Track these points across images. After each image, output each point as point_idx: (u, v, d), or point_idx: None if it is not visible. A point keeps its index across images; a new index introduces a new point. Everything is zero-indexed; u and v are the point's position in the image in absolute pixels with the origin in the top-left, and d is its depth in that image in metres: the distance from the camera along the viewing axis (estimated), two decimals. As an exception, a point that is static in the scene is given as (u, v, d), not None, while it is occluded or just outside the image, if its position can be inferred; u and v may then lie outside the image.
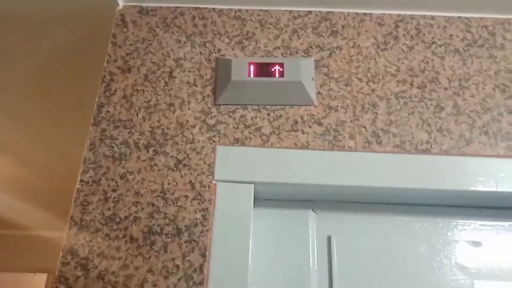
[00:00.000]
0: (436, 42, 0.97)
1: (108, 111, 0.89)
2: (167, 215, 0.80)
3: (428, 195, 0.85)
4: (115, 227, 0.78)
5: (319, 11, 1.01)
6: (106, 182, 0.82)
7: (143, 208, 0.80)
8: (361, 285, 0.83)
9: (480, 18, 1.00)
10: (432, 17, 1.00)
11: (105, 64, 0.94)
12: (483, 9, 1.00)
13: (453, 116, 0.89)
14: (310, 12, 1.01)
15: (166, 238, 0.78)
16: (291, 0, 1.00)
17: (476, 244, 0.87)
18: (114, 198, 0.81)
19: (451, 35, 0.98)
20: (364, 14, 1.01)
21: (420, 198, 0.88)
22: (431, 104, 0.90)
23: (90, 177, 0.83)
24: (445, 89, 0.92)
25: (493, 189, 0.83)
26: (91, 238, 0.78)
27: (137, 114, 0.89)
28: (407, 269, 0.84)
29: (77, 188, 0.82)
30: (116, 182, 0.82)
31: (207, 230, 0.78)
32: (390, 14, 1.01)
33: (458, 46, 0.97)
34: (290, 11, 1.01)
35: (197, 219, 0.79)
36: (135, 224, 0.79)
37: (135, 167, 0.84)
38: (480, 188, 0.83)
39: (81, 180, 0.83)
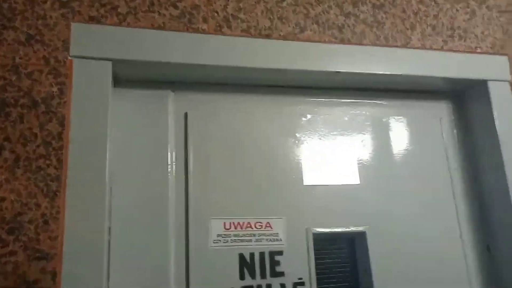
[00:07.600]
0: None
1: None
2: (21, 88, 0.80)
3: (277, 76, 1.01)
4: (-38, 100, 0.77)
5: None
6: None
7: (-7, 82, 0.79)
8: (214, 158, 0.97)
9: None
10: None
11: None
12: None
13: (292, 7, 1.02)
14: None
15: (22, 109, 0.79)
16: None
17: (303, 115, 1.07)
18: (-42, 72, 0.78)
19: None
20: None
21: (265, 78, 1.02)
22: (275, -5, 1.02)
23: None
24: (288, -18, 1.04)
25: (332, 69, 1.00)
26: None
27: (-23, -15, 0.83)
28: (262, 145, 1.01)
29: None
30: (-41, 55, 0.79)
31: (65, 102, 0.82)
32: None
33: None
34: None
35: (53, 91, 0.82)
36: (-14, 97, 0.78)
37: (-20, 40, 0.81)
38: (315, 68, 0.99)
39: None
